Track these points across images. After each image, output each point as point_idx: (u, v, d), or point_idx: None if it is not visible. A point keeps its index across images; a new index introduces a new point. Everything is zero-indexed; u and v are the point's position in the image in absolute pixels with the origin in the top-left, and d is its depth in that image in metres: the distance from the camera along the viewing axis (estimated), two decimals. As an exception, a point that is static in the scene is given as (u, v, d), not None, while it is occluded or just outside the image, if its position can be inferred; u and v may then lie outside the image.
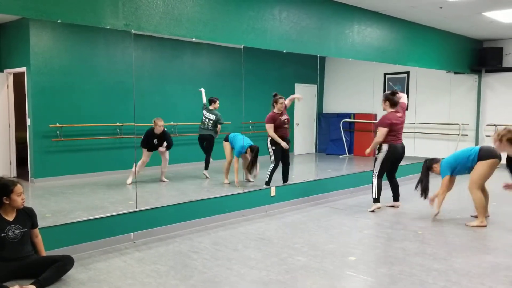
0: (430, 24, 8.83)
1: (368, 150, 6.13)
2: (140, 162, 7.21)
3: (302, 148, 10.70)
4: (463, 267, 4.04)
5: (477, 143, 10.91)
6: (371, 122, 10.81)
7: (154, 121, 7.22)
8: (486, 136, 10.70)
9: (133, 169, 6.86)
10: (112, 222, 4.69)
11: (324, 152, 11.16)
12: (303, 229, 5.28)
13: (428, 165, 5.72)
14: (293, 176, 7.22)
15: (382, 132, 5.90)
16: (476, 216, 5.53)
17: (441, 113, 10.40)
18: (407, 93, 10.66)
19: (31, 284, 3.49)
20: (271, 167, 6.67)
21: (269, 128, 6.61)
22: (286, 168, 6.87)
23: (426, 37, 9.03)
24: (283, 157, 6.76)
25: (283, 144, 6.61)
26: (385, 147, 5.95)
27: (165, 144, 7.36)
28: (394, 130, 5.94)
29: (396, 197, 6.34)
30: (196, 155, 8.00)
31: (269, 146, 6.69)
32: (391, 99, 6.01)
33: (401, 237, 4.94)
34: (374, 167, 6.11)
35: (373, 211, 6.05)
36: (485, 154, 5.40)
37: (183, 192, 7.27)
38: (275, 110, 6.67)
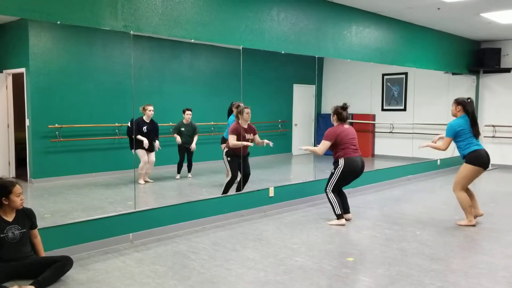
0: (428, 25, 8.86)
1: (302, 147, 5.88)
2: (141, 164, 7.32)
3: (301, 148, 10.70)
4: (461, 267, 4.06)
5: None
6: (369, 123, 10.84)
7: (144, 107, 7.37)
8: (485, 137, 10.73)
9: (139, 170, 7.25)
10: (111, 223, 4.70)
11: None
12: (301, 230, 5.29)
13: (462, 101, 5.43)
14: (291, 177, 7.24)
15: (325, 144, 5.48)
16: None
17: (439, 114, 10.41)
18: (405, 94, 10.70)
19: (30, 284, 3.50)
20: (228, 179, 6.19)
21: (232, 139, 6.02)
22: (247, 179, 6.31)
23: (424, 38, 9.06)
24: (243, 167, 6.23)
25: (248, 143, 6.07)
26: (341, 161, 5.46)
27: (157, 143, 7.51)
28: (346, 142, 5.46)
29: (346, 210, 5.70)
30: (195, 155, 8.01)
31: (224, 158, 6.23)
32: (339, 114, 5.54)
33: (399, 238, 4.96)
34: (328, 181, 5.58)
35: (334, 224, 5.49)
36: (473, 159, 5.34)
37: (182, 192, 7.29)
38: (240, 122, 6.14)
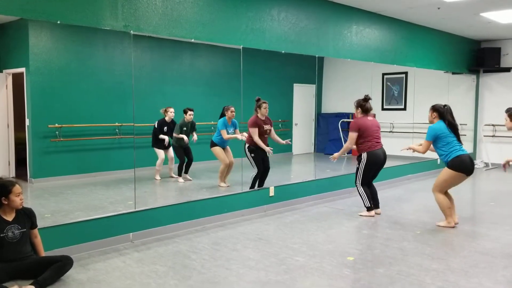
0: (428, 24, 8.86)
1: (335, 155, 6.04)
2: (158, 161, 7.69)
3: (301, 148, 10.72)
4: (461, 267, 4.06)
5: (475, 143, 10.96)
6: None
7: (166, 110, 7.79)
8: (484, 136, 10.74)
9: (157, 167, 7.69)
10: (111, 223, 4.70)
11: (323, 152, 11.18)
12: (301, 229, 5.29)
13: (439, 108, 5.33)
14: (291, 176, 7.24)
15: (351, 136, 5.81)
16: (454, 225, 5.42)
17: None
18: (405, 94, 10.70)
19: (31, 284, 3.50)
20: (254, 174, 6.34)
21: (254, 132, 6.24)
22: (266, 173, 6.52)
23: (424, 37, 9.05)
24: (263, 162, 6.45)
25: (267, 149, 6.29)
26: (364, 155, 5.76)
27: (170, 148, 7.85)
28: (369, 135, 5.74)
29: (376, 204, 5.98)
30: (195, 155, 8.01)
31: (248, 153, 6.37)
32: (363, 106, 5.84)
33: (399, 237, 4.96)
34: (356, 175, 5.89)
35: (364, 215, 5.86)
36: (456, 164, 5.12)
37: (182, 192, 7.29)
38: (259, 115, 6.38)
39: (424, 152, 5.46)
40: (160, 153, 7.71)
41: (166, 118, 7.76)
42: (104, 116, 7.72)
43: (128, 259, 4.28)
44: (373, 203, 5.94)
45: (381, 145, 5.86)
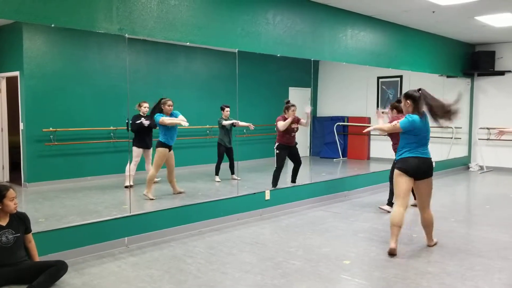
0: (423, 28, 8.89)
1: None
2: (132, 165, 7.11)
3: (296, 151, 10.68)
4: (457, 270, 4.06)
5: (470, 146, 10.99)
6: (364, 125, 10.84)
7: (140, 104, 7.34)
8: (479, 139, 10.77)
9: (127, 172, 6.80)
10: (106, 227, 4.67)
11: (318, 156, 11.18)
12: (298, 233, 5.28)
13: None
14: (287, 180, 7.23)
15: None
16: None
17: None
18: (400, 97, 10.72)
19: (25, 289, 3.47)
20: (275, 170, 6.81)
21: (280, 123, 6.75)
22: (298, 167, 7.12)
23: (419, 41, 9.09)
24: (293, 156, 7.06)
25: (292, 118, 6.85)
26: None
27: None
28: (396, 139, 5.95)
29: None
30: (191, 159, 7.99)
31: (275, 150, 6.86)
32: (397, 107, 6.05)
33: (395, 241, 4.95)
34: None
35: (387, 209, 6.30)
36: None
37: (178, 196, 7.25)
38: (286, 116, 6.85)
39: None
40: (136, 153, 7.17)
41: (141, 113, 7.31)
42: (98, 120, 7.68)
43: (123, 264, 4.25)
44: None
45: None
